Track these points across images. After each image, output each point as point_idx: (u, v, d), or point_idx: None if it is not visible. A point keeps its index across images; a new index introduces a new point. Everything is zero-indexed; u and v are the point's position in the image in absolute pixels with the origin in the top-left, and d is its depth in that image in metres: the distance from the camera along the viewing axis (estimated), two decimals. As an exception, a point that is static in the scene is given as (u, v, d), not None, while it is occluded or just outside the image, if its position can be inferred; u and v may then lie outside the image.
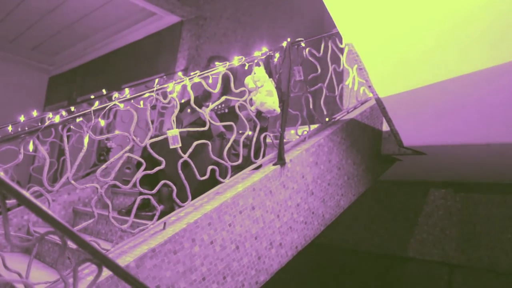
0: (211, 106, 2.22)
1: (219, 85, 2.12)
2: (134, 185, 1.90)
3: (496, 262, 3.62)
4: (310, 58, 2.55)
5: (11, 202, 1.45)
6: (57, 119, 1.86)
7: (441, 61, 2.25)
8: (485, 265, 3.68)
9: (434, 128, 2.64)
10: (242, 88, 2.24)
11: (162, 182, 1.93)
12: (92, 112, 1.87)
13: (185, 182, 1.94)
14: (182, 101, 2.99)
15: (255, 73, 2.26)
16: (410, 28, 2.23)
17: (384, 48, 2.43)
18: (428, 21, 2.15)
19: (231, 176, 2.13)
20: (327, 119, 2.70)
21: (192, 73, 2.12)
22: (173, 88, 2.01)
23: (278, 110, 2.29)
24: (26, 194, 0.96)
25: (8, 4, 6.10)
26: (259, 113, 2.30)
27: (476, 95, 2.28)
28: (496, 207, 3.71)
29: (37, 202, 0.98)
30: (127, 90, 2.11)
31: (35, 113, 2.69)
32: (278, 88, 2.34)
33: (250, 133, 2.25)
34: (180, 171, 1.93)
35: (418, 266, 4.17)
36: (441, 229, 4.02)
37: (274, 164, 2.24)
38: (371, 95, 2.80)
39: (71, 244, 1.20)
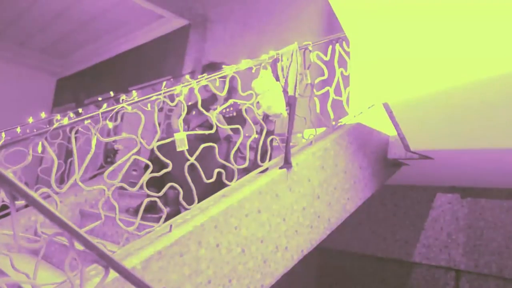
0: (219, 109, 2.22)
1: (226, 89, 2.13)
2: (140, 187, 1.91)
3: (503, 268, 3.59)
4: (318, 62, 2.55)
5: (18, 203, 1.46)
6: (65, 121, 1.87)
7: (449, 66, 2.24)
8: (492, 271, 3.65)
9: (441, 133, 2.63)
10: (249, 92, 2.24)
11: (169, 184, 1.93)
12: (100, 114, 1.88)
13: (191, 184, 1.94)
14: (190, 103, 3.00)
15: (262, 77, 2.26)
16: (419, 33, 2.23)
17: (392, 53, 2.43)
18: (438, 26, 2.14)
19: (237, 179, 2.13)
20: (333, 123, 2.70)
21: (199, 76, 2.13)
22: (181, 91, 2.01)
23: (285, 113, 2.29)
24: (35, 195, 0.97)
25: (17, 7, 6.16)
26: (266, 117, 2.30)
27: (484, 100, 2.27)
28: (504, 213, 3.68)
29: (46, 203, 0.99)
30: (134, 93, 2.12)
31: (43, 115, 2.71)
32: (285, 91, 2.34)
33: (256, 136, 2.25)
34: (186, 174, 1.93)
35: (424, 271, 4.14)
36: (448, 234, 3.99)
37: (280, 168, 2.24)
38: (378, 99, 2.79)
39: (78, 246, 1.20)
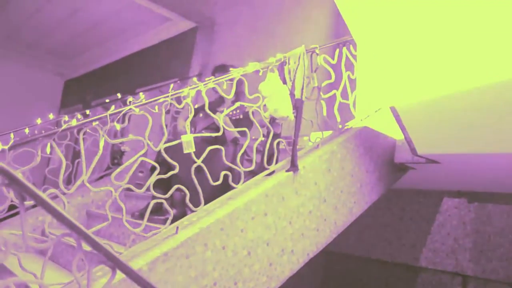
0: (226, 111, 2.23)
1: (233, 91, 2.13)
2: (147, 189, 1.92)
3: (511, 274, 3.56)
4: (325, 65, 2.55)
5: (26, 203, 1.47)
6: (73, 122, 1.89)
7: (456, 70, 2.23)
8: (499, 277, 3.62)
9: (448, 137, 2.62)
10: (256, 94, 2.24)
11: (176, 186, 1.94)
12: (108, 116, 1.89)
13: (198, 187, 1.94)
14: (196, 106, 3.01)
15: (269, 80, 2.27)
16: (426, 36, 2.22)
17: (400, 56, 2.42)
18: (446, 30, 2.14)
19: (244, 182, 2.14)
20: (340, 126, 2.69)
21: (206, 79, 2.14)
22: (188, 93, 2.02)
23: (292, 116, 2.29)
24: (44, 196, 0.97)
25: (26, 10, 6.22)
26: (272, 119, 2.30)
27: (491, 104, 2.26)
28: (511, 218, 3.65)
29: (54, 204, 1.00)
30: (142, 95, 2.13)
31: (51, 116, 2.74)
32: (292, 94, 2.34)
33: (263, 139, 2.25)
34: (193, 176, 1.93)
35: (430, 276, 4.11)
36: (455, 239, 3.97)
37: (287, 171, 2.24)
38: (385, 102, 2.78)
39: (85, 246, 1.21)
